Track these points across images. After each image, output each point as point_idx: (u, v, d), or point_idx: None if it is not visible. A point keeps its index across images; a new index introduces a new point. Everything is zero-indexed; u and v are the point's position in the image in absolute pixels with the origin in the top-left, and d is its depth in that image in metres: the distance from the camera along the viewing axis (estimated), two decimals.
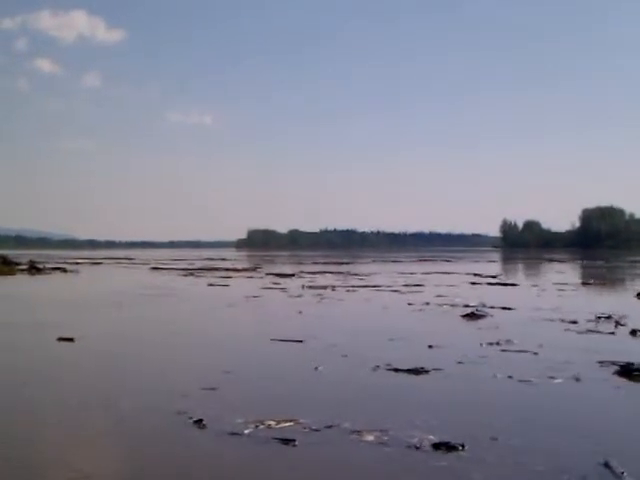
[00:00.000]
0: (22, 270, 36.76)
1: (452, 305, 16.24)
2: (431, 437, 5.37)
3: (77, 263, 52.12)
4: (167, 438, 5.59)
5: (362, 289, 22.63)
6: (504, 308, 15.44)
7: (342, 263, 53.84)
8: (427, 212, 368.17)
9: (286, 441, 5.33)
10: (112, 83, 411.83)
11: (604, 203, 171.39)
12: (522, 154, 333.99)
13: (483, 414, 6.25)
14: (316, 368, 8.32)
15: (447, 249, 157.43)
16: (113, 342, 11.21)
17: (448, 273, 34.70)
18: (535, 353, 9.32)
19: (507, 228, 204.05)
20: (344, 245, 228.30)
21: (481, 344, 10.12)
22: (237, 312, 15.98)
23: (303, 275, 32.47)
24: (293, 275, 32.07)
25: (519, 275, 38.00)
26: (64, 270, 38.12)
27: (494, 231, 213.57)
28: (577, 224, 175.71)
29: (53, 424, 6.03)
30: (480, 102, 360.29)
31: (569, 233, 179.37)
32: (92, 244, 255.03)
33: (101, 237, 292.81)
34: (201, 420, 5.88)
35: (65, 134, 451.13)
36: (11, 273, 34.76)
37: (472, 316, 13.79)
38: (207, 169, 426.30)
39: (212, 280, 28.24)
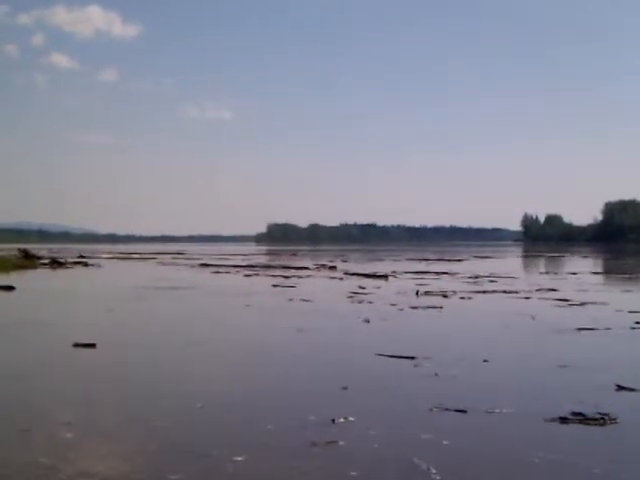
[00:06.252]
0: (44, 264, 36.58)
1: None
2: None
3: (117, 258, 50.41)
4: None
5: (491, 295, 17.92)
6: None
7: (437, 260, 44.80)
8: (446, 206, 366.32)
9: None
10: (128, 78, 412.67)
11: (627, 196, 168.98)
12: (542, 147, 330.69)
13: None
14: (463, 409, 5.93)
15: (468, 243, 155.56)
16: (161, 351, 9.30)
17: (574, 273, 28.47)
18: None
19: (528, 222, 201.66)
20: (364, 239, 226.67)
21: None
22: (324, 318, 13.04)
23: (396, 275, 26.45)
24: (386, 276, 25.43)
25: None
26: (85, 264, 37.85)
27: (514, 225, 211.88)
28: (599, 217, 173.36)
29: None
30: (503, 97, 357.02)
31: (591, 227, 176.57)
32: (112, 238, 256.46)
33: (120, 231, 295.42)
34: None
35: (82, 129, 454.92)
36: (33, 267, 34.64)
37: None
38: (225, 164, 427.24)
39: (277, 280, 23.62)
